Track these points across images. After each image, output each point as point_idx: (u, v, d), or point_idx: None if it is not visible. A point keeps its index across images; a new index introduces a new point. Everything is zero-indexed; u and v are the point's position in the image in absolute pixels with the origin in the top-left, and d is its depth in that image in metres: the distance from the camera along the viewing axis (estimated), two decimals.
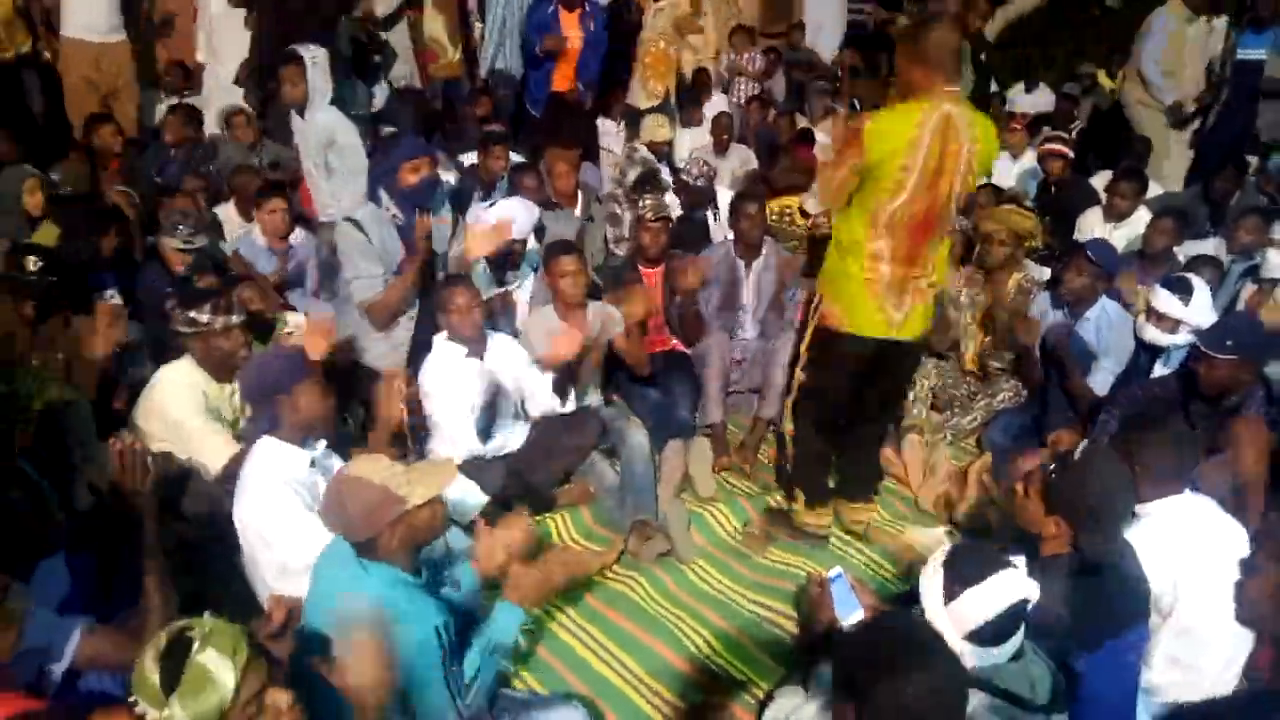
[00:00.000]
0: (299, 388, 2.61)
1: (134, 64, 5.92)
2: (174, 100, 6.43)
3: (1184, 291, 3.50)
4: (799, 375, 3.24)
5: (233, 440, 3.02)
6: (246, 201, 5.04)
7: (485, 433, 3.44)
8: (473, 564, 2.50)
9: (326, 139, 4.68)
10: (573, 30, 6.25)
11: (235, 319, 3.10)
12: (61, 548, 2.21)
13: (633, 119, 6.83)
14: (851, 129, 2.90)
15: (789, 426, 3.35)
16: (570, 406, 3.62)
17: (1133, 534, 2.38)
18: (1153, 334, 3.56)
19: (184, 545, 2.59)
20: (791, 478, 3.50)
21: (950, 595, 1.94)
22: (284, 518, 2.54)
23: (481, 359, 3.47)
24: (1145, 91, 6.55)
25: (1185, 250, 4.90)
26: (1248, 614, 2.43)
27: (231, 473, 2.79)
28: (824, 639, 2.36)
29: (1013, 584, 1.92)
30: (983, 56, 5.91)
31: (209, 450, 2.98)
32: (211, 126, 5.97)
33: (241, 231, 4.92)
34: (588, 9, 6.34)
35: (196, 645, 1.56)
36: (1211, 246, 4.95)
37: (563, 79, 6.38)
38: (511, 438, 3.55)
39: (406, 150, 3.70)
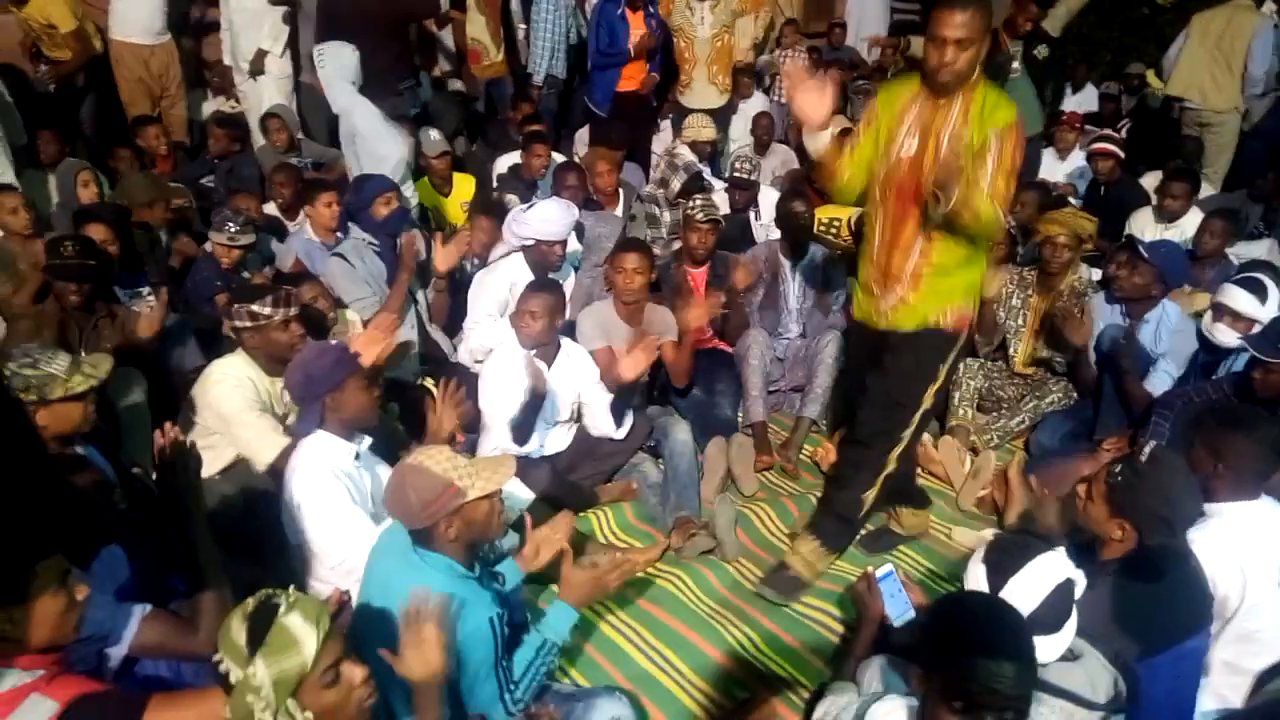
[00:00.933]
0: (347, 384, 2.63)
1: (180, 65, 6.01)
2: (219, 100, 6.52)
3: (1259, 291, 3.46)
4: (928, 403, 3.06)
5: (283, 434, 3.05)
6: (288, 200, 5.11)
7: (528, 433, 3.45)
8: (516, 560, 2.51)
9: (348, 128, 4.86)
10: (640, 29, 6.28)
11: (293, 312, 3.14)
12: (122, 534, 2.24)
13: (677, 119, 6.82)
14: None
15: None
16: (622, 433, 3.62)
17: (1203, 534, 2.33)
18: (1225, 335, 3.49)
19: (231, 535, 2.63)
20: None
21: (995, 587, 1.95)
22: (330, 508, 2.57)
23: (549, 364, 3.46)
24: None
25: (1237, 252, 4.80)
26: None
27: (280, 466, 2.83)
28: (874, 636, 2.35)
29: (1054, 566, 1.94)
30: (1038, 53, 5.80)
31: (260, 444, 3.01)
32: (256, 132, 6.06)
33: (293, 229, 4.99)
34: (650, 9, 6.36)
35: (283, 609, 1.61)
36: (1265, 248, 4.85)
37: (632, 79, 6.40)
38: (553, 440, 3.56)
39: (377, 186, 4.21)
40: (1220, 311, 3.50)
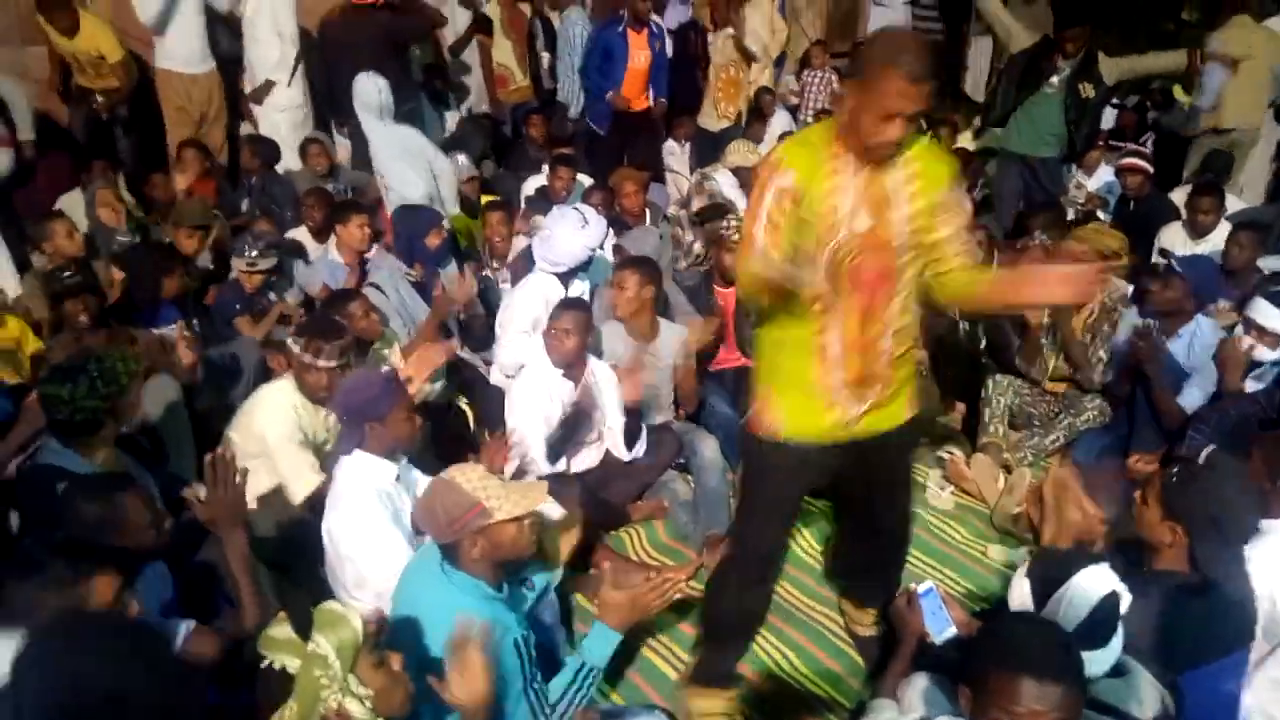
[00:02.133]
0: (392, 414, 2.65)
1: (223, 92, 6.13)
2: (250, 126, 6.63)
3: None
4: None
5: (319, 471, 3.06)
6: (319, 223, 5.18)
7: (557, 453, 3.46)
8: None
9: (376, 159, 4.95)
10: (641, 49, 6.34)
11: (348, 360, 3.12)
12: (167, 551, 2.27)
13: (706, 143, 6.87)
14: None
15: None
16: (633, 454, 3.61)
17: (1259, 551, 2.29)
18: (1255, 350, 3.46)
19: (266, 561, 2.65)
20: (700, 638, 2.83)
21: (1041, 602, 1.94)
22: (371, 530, 2.59)
23: (576, 383, 3.48)
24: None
25: (1269, 265, 4.76)
26: None
27: (316, 500, 2.86)
28: (914, 653, 2.33)
29: (1100, 579, 1.92)
30: (1083, 90, 5.67)
31: (297, 478, 3.04)
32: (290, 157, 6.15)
33: (320, 253, 5.05)
34: (654, 29, 6.42)
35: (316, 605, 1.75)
36: None
37: (629, 97, 6.45)
38: (582, 458, 3.56)
39: (429, 217, 4.36)
40: (1249, 326, 3.47)
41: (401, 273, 4.23)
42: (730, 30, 7.30)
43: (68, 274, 3.65)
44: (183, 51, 5.80)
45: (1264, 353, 3.44)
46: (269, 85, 6.05)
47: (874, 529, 2.78)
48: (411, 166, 4.94)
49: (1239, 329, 3.57)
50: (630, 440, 3.59)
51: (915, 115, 2.07)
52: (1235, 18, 6.19)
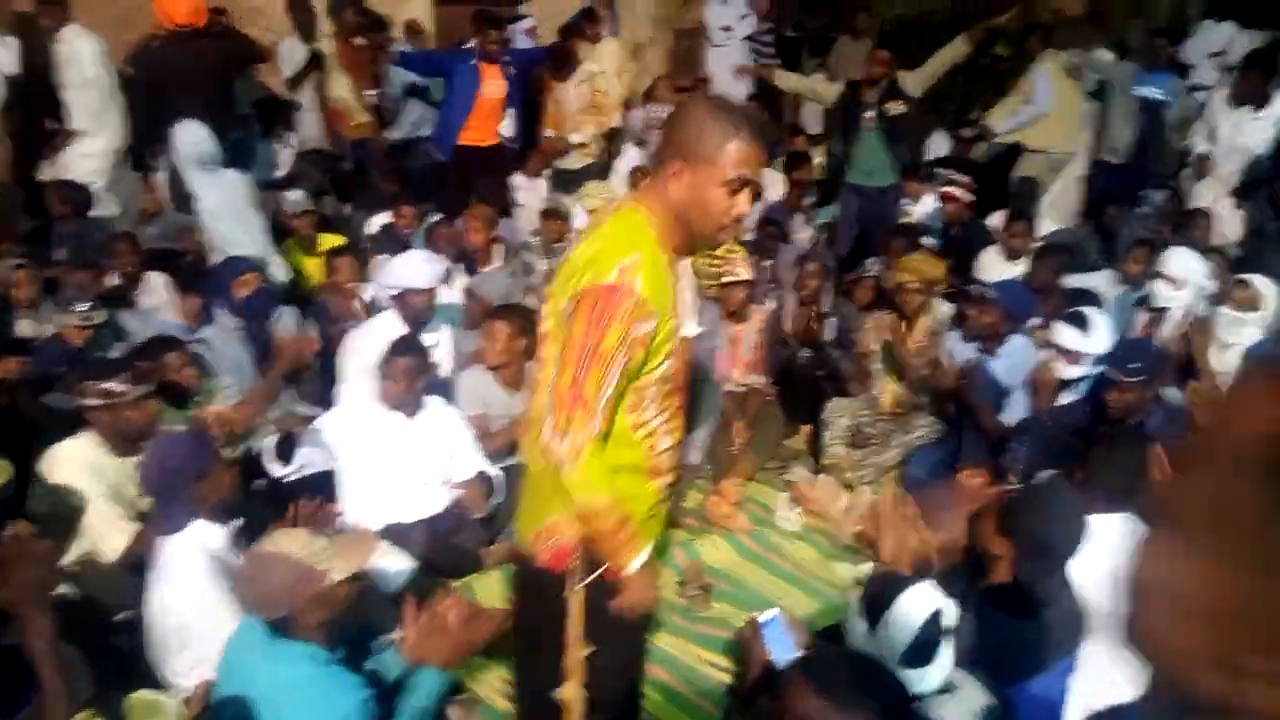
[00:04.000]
0: (205, 475, 2.55)
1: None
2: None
3: (1082, 325, 3.69)
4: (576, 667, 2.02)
5: (129, 522, 2.90)
6: (127, 270, 4.86)
7: (390, 495, 3.38)
8: (400, 649, 2.31)
9: (202, 209, 4.81)
10: (494, 80, 6.31)
11: (148, 389, 3.02)
12: None
13: (560, 180, 6.89)
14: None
15: None
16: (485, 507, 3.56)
17: (1089, 550, 2.43)
18: (1058, 368, 3.72)
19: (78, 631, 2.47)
20: None
21: (871, 625, 2.00)
22: (206, 602, 2.47)
23: (408, 426, 3.42)
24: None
25: (1075, 284, 5.13)
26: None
27: (132, 557, 2.71)
28: (760, 682, 2.37)
29: (923, 598, 2.01)
30: (889, 109, 6.01)
31: (108, 535, 2.87)
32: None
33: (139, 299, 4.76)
34: (507, 59, 6.41)
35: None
36: (1103, 279, 5.20)
37: (479, 131, 6.42)
38: (425, 503, 3.48)
39: (235, 268, 4.16)
40: (1051, 345, 3.74)
41: (231, 327, 4.06)
42: (581, 67, 7.37)
43: None
44: None
45: (1069, 370, 3.70)
46: (68, 135, 5.72)
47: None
48: (240, 222, 4.77)
49: (1044, 352, 3.83)
50: (495, 484, 3.54)
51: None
52: (1048, 51, 6.75)
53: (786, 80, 6.53)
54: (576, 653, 1.99)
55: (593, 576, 1.95)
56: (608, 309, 1.77)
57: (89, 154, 5.76)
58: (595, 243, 1.88)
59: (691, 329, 1.84)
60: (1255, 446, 0.48)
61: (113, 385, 2.95)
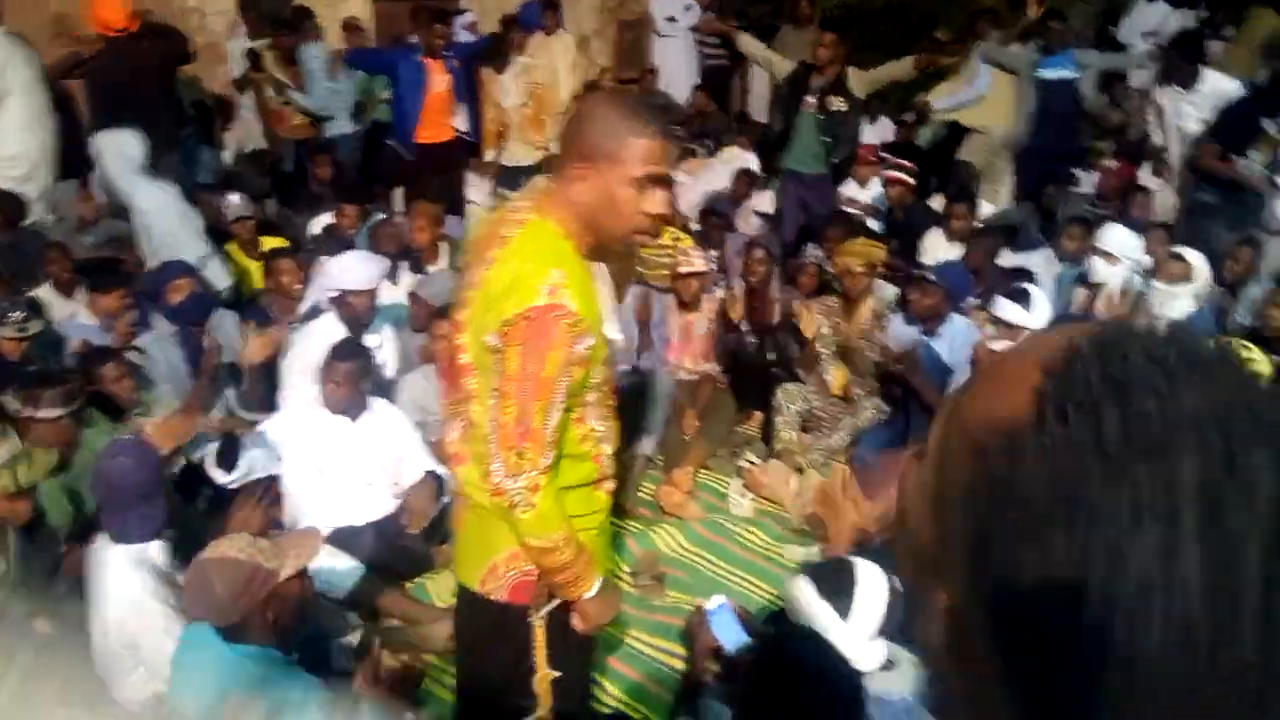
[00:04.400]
0: (151, 491, 2.52)
1: None
2: None
3: (1024, 300, 3.77)
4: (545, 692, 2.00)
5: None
6: (62, 280, 4.75)
7: (335, 496, 3.35)
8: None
9: (137, 217, 4.71)
10: (440, 75, 6.26)
11: (69, 409, 2.98)
12: None
13: (512, 178, 6.84)
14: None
15: None
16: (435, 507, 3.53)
17: None
18: (999, 344, 3.78)
19: None
20: None
21: (844, 610, 2.04)
22: (156, 621, 2.45)
23: (351, 429, 3.40)
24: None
25: (1014, 262, 5.22)
26: None
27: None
28: (711, 669, 2.40)
29: (874, 576, 2.05)
30: (831, 103, 6.04)
31: None
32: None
33: (67, 313, 4.64)
34: (449, 55, 6.36)
35: None
36: (1041, 258, 5.30)
37: (433, 129, 6.36)
38: (373, 504, 3.46)
39: (168, 273, 4.10)
40: (995, 322, 3.81)
41: (168, 333, 3.99)
42: (525, 61, 7.32)
43: None
44: None
45: (1004, 345, 3.77)
46: None
47: None
48: (178, 226, 4.69)
49: (987, 328, 3.90)
50: (440, 483, 3.51)
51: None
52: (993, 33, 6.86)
53: (749, 45, 6.54)
54: (544, 678, 1.96)
55: (555, 604, 1.91)
56: (545, 334, 1.67)
57: (16, 158, 5.62)
58: (509, 263, 1.75)
59: (613, 331, 1.78)
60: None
61: (46, 411, 2.92)
